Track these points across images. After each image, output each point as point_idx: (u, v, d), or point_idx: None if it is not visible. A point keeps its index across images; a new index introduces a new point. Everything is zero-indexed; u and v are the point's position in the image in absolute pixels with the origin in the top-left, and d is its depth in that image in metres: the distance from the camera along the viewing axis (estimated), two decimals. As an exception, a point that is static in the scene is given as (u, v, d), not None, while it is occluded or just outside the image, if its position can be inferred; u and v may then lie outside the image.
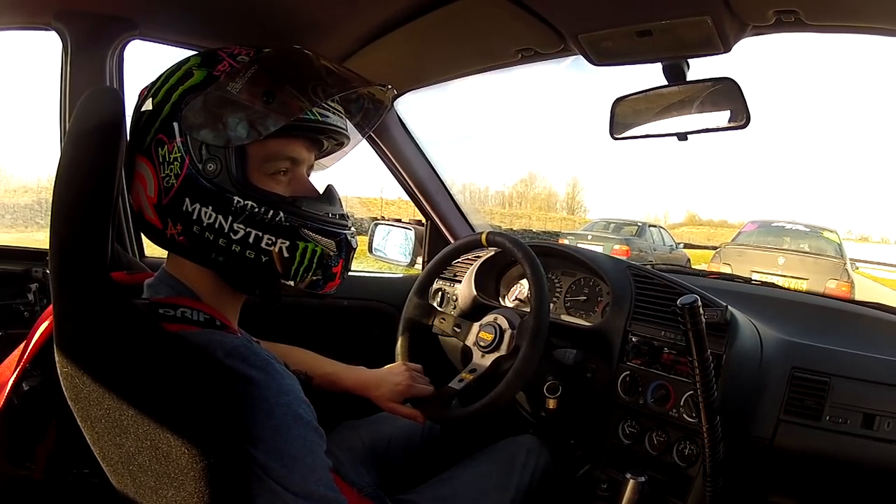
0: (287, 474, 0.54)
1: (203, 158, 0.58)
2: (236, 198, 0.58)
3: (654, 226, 10.52)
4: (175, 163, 0.58)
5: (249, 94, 0.57)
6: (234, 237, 0.59)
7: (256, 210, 0.59)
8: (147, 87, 0.63)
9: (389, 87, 0.71)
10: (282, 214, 0.60)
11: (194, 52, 0.63)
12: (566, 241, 8.22)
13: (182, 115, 0.58)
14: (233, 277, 0.64)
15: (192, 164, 0.58)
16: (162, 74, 0.62)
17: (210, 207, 0.58)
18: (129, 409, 0.52)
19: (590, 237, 8.88)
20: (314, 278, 0.63)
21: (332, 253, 0.63)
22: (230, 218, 0.58)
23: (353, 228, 0.67)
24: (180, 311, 0.59)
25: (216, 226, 0.58)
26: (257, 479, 0.53)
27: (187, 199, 0.58)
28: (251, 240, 0.59)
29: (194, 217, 0.58)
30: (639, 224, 9.84)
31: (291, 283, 0.62)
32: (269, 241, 0.59)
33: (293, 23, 0.97)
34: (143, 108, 0.61)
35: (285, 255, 0.60)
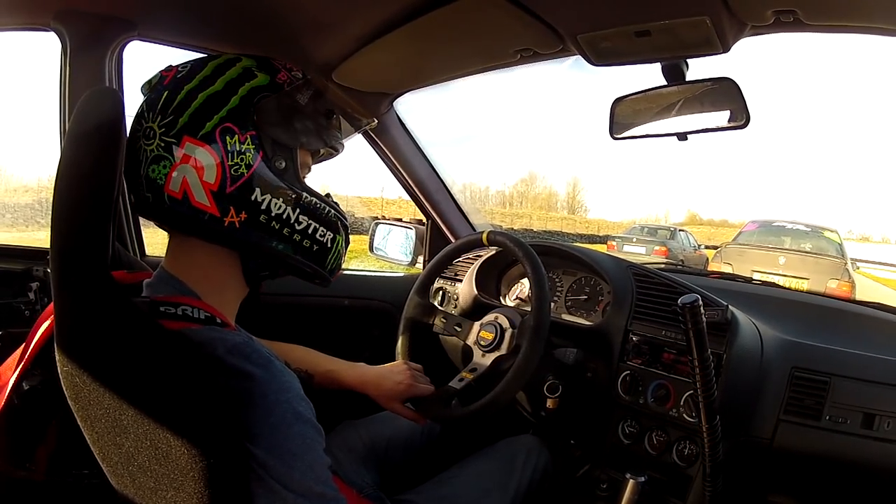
0: (286, 472, 0.54)
1: (274, 154, 0.63)
2: (304, 193, 0.65)
3: (682, 230, 12.08)
4: (247, 153, 0.61)
5: (314, 109, 0.67)
6: (297, 227, 0.65)
7: (317, 205, 0.66)
8: (179, 71, 0.62)
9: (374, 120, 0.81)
10: (328, 209, 0.68)
11: (208, 54, 0.65)
12: (615, 243, 10.18)
13: (256, 110, 0.61)
14: (267, 266, 0.67)
15: (265, 157, 0.62)
16: (204, 64, 0.62)
17: (280, 199, 0.63)
18: (129, 408, 0.52)
19: (635, 240, 10.34)
20: (336, 266, 0.72)
21: (344, 244, 0.72)
22: (297, 210, 0.65)
23: None
24: (181, 308, 0.59)
25: (284, 216, 0.64)
26: (257, 477, 0.53)
27: (258, 190, 0.62)
28: (310, 230, 0.66)
29: (263, 207, 0.62)
30: (671, 228, 11.70)
31: (326, 271, 0.70)
32: (322, 233, 0.67)
33: (293, 23, 0.97)
34: (183, 90, 0.59)
35: (328, 245, 0.68)
